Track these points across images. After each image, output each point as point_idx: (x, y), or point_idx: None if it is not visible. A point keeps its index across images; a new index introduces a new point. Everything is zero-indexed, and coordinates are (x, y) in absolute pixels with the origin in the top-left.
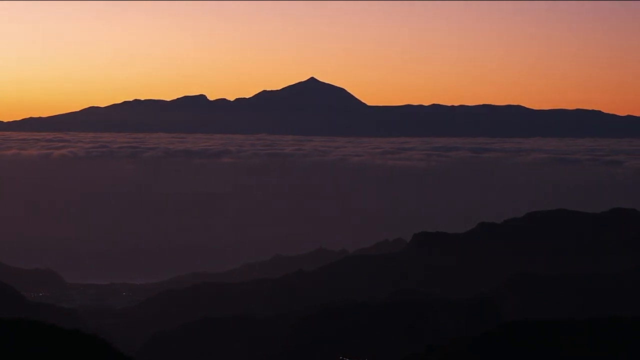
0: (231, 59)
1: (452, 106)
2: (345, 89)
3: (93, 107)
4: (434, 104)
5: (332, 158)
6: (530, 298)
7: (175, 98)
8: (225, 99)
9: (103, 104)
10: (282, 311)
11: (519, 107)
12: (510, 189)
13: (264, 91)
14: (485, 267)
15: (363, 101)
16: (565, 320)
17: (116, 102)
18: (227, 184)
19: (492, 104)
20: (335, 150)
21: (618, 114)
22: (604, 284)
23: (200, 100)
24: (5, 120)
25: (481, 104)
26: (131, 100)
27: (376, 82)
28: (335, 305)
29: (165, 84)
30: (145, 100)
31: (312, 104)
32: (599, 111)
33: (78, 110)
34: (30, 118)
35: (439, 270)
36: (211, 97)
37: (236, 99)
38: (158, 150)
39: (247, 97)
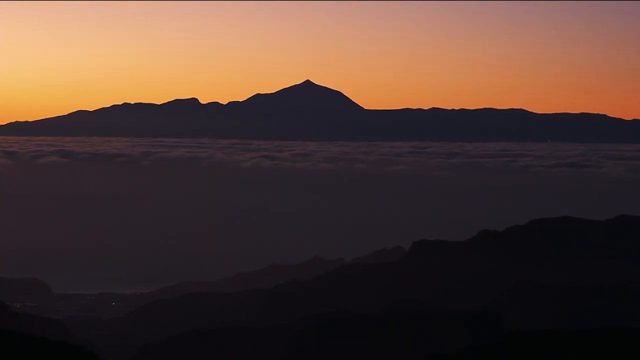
0: (224, 61)
1: (452, 110)
2: (342, 92)
3: (81, 110)
4: (433, 108)
5: (330, 163)
6: (534, 308)
7: (166, 102)
8: (217, 102)
9: (91, 107)
10: (277, 322)
11: (521, 110)
12: (512, 195)
13: (258, 94)
14: (487, 276)
15: (360, 105)
16: (570, 331)
17: (105, 106)
18: (220, 190)
19: (494, 107)
20: (333, 156)
21: (624, 118)
22: (609, 294)
23: (191, 103)
24: None
25: (482, 107)
26: (120, 103)
27: (374, 85)
28: (332, 316)
29: (156, 87)
30: (135, 103)
31: (308, 107)
32: (604, 115)
33: (65, 114)
34: (16, 122)
35: (439, 280)
36: (203, 101)
37: (229, 102)
38: (148, 154)
39: (240, 100)
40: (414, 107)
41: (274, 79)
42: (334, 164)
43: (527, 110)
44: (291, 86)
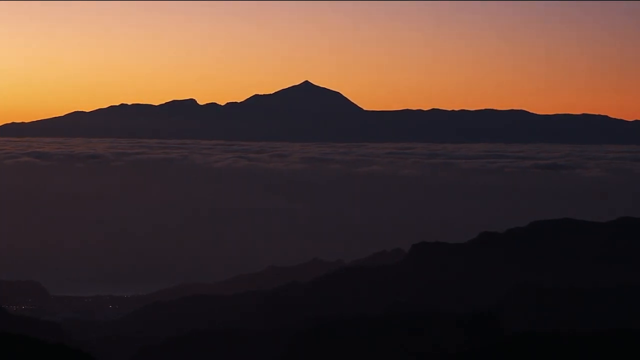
0: (222, 62)
1: (453, 111)
2: (341, 92)
3: (77, 111)
4: (433, 109)
5: (328, 165)
6: (533, 310)
7: (163, 102)
8: (215, 103)
9: (88, 108)
10: (275, 325)
11: (522, 111)
12: (512, 197)
13: (256, 95)
14: (486, 278)
15: (359, 106)
16: (570, 334)
17: (102, 107)
18: (218, 192)
19: (494, 108)
20: (331, 157)
21: (625, 119)
22: (610, 296)
23: (189, 104)
24: None
25: (483, 108)
26: (117, 104)
27: (373, 86)
28: (331, 318)
29: (153, 88)
30: (132, 104)
31: (307, 108)
32: (606, 116)
33: (62, 115)
34: (12, 123)
35: (439, 282)
36: (201, 102)
37: (227, 103)
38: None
39: (238, 101)
40: (414, 108)
41: (273, 80)
42: (332, 166)
43: (527, 111)
44: (290, 87)
